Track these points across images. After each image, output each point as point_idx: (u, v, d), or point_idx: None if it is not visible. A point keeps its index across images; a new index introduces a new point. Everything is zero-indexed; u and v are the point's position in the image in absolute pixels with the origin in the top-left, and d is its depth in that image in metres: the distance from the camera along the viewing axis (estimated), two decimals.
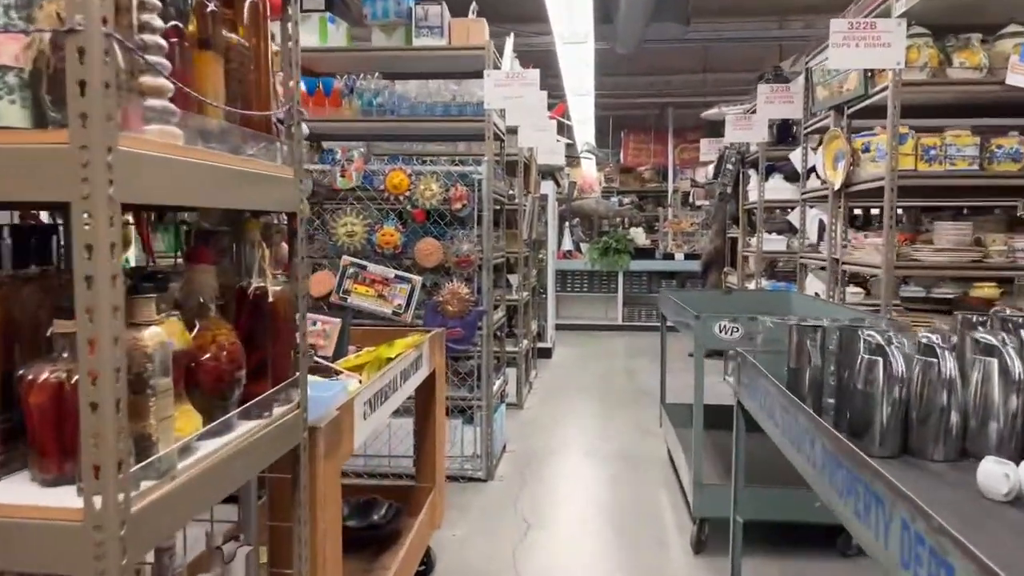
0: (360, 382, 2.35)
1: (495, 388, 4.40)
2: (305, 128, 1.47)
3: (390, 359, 2.44)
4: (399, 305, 3.93)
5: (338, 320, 2.72)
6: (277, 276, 1.44)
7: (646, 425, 5.24)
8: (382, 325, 4.00)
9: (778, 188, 5.51)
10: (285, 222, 1.52)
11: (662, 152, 11.08)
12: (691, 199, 10.81)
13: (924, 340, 1.64)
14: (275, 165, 1.39)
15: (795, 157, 4.78)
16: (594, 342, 9.18)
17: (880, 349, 1.64)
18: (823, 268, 4.41)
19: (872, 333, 1.65)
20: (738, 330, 3.06)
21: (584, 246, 10.22)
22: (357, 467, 4.02)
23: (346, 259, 3.91)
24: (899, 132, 3.04)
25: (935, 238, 3.15)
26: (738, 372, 2.16)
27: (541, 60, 4.74)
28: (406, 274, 3.93)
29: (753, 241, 5.71)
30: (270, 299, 1.32)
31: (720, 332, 3.07)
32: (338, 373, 2.42)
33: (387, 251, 3.96)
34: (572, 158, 11.12)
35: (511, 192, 5.61)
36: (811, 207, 4.50)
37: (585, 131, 10.96)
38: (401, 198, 3.94)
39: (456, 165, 4.00)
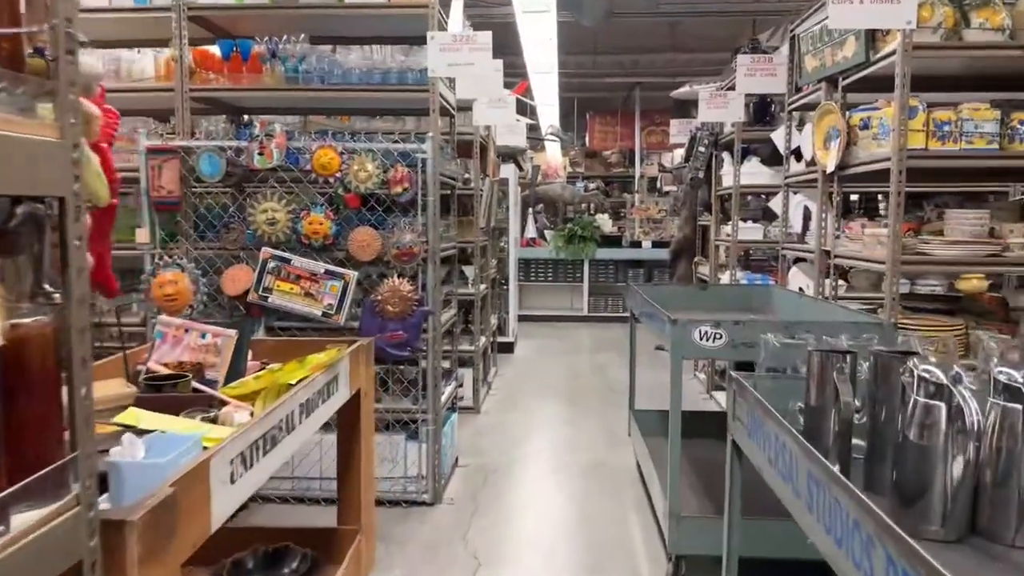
0: (252, 415, 1.83)
1: (445, 396, 3.90)
2: (93, 62, 0.94)
3: (291, 385, 1.92)
4: (330, 305, 3.40)
5: (233, 332, 2.18)
6: (45, 298, 0.91)
7: (615, 429, 4.79)
8: (310, 328, 3.46)
9: (755, 172, 5.08)
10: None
11: (629, 135, 10.63)
12: (658, 184, 10.40)
13: (1003, 377, 1.17)
14: (24, 121, 0.86)
15: (777, 137, 4.34)
16: (559, 334, 8.73)
17: (942, 389, 1.17)
18: (806, 260, 3.99)
19: (930, 368, 1.19)
20: (721, 336, 2.60)
21: (548, 233, 9.75)
22: (283, 491, 3.50)
23: (266, 251, 3.36)
24: (908, 104, 2.60)
25: (947, 228, 2.72)
26: (733, 403, 1.69)
27: (500, 34, 4.22)
28: (338, 269, 3.39)
29: (727, 229, 5.28)
30: (2, 342, 0.80)
31: (701, 339, 2.61)
32: (224, 403, 1.89)
33: (316, 242, 3.42)
34: (535, 140, 10.61)
35: (466, 175, 5.09)
36: (794, 193, 4.07)
37: (549, 113, 10.45)
38: (331, 180, 3.40)
39: (397, 143, 3.46)
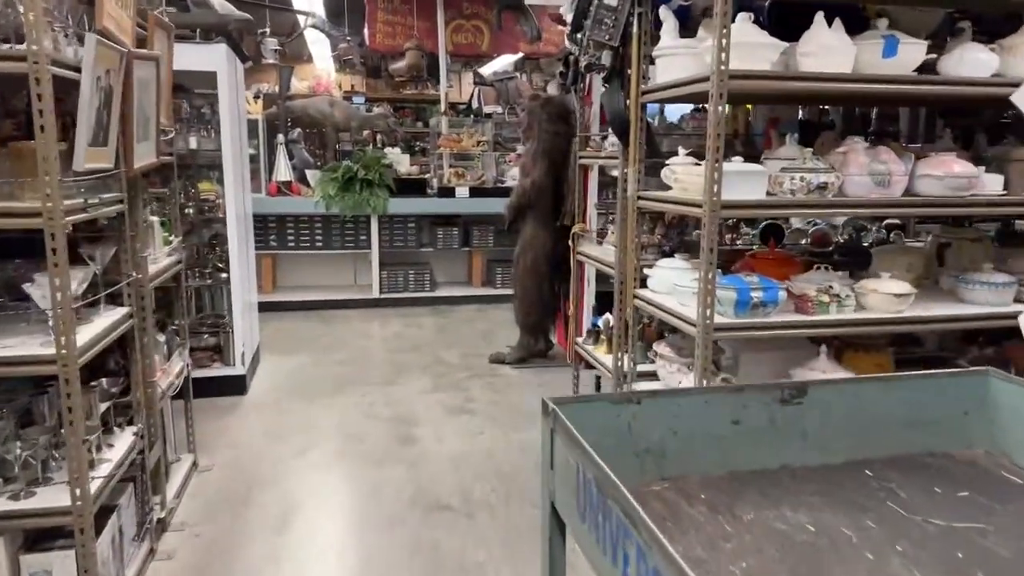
0: None
1: None
2: None
3: None
4: None
5: None
6: None
7: None
8: None
9: (747, 48, 2.22)
10: None
11: (428, 32, 7.39)
12: (476, 103, 7.33)
13: None
14: None
15: None
16: (334, 335, 5.50)
17: None
18: None
19: None
20: None
21: (312, 175, 6.35)
22: None
23: None
24: None
25: None
26: None
27: None
28: None
29: (679, 174, 2.42)
30: None
31: None
32: None
33: None
34: (276, 9, 6.98)
35: None
36: None
37: None
38: None
39: None
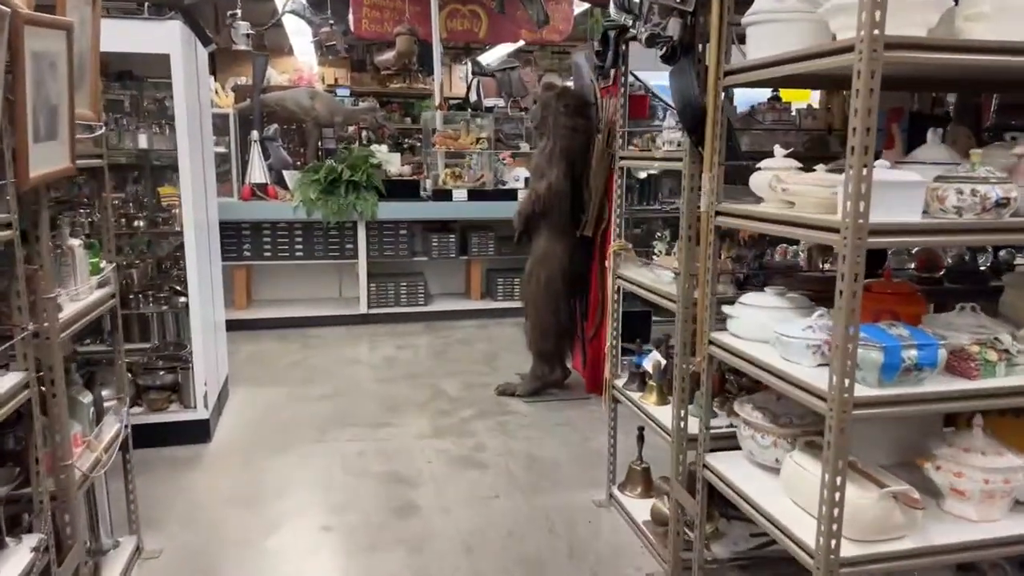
0: None
1: None
2: None
3: None
4: None
5: None
6: None
7: None
8: None
9: (903, 6, 1.56)
10: None
11: (420, 18, 6.72)
12: (475, 94, 6.64)
13: None
14: None
15: None
16: (317, 361, 4.79)
17: None
18: None
19: None
20: None
21: (291, 177, 5.66)
22: None
23: None
24: None
25: None
26: None
27: None
28: None
29: (783, 182, 1.77)
30: None
31: None
32: None
33: None
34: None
35: None
36: None
37: None
38: None
39: None
